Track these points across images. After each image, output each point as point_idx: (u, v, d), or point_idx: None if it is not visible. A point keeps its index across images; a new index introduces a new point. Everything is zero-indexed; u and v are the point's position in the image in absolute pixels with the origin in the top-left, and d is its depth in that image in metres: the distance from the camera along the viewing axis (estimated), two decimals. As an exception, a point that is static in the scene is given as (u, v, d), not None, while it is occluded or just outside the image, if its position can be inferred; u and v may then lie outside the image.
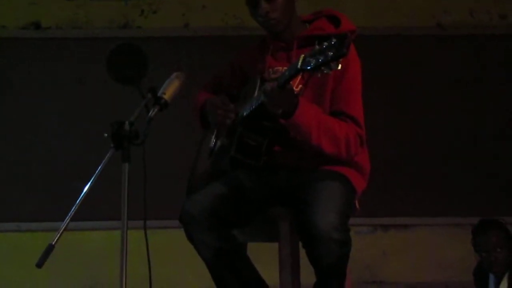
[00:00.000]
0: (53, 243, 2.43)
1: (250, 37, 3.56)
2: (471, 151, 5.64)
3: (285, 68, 2.78)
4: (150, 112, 2.66)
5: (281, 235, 2.98)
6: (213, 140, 3.25)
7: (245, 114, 2.97)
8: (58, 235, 2.45)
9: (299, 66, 2.58)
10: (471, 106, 5.68)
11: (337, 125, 2.91)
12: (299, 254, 2.99)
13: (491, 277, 4.55)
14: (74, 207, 2.51)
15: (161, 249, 4.92)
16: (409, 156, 5.60)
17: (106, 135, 2.56)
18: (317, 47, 2.53)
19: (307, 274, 2.91)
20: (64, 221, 2.48)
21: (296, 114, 2.79)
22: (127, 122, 2.55)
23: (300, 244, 2.87)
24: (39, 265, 2.41)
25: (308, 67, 2.53)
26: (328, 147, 2.88)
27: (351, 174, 2.98)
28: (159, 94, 2.71)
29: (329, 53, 2.47)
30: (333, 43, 2.47)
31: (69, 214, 2.50)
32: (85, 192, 2.54)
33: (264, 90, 2.75)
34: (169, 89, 2.75)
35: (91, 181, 2.55)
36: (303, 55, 2.58)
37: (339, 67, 2.50)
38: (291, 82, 2.73)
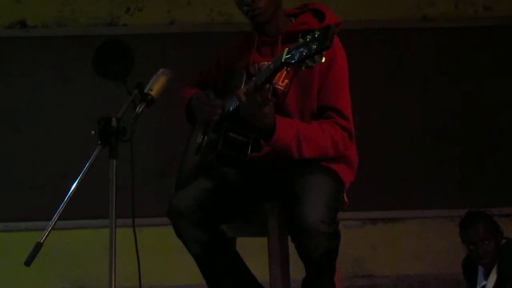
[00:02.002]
0: (41, 241, 2.43)
1: (237, 33, 3.55)
2: (458, 144, 5.66)
3: (270, 62, 2.78)
4: (137, 109, 2.66)
5: (270, 229, 2.97)
6: (200, 135, 3.25)
7: (231, 109, 2.97)
8: (46, 233, 2.45)
9: (283, 59, 2.57)
10: (457, 99, 5.69)
11: (321, 133, 2.89)
12: (288, 248, 2.98)
13: (480, 269, 4.56)
14: (62, 205, 2.50)
15: (150, 246, 4.92)
16: (397, 149, 5.61)
17: (93, 132, 2.55)
18: (300, 40, 2.53)
19: (297, 268, 2.92)
20: (52, 219, 2.48)
21: (274, 138, 2.80)
22: (114, 119, 2.55)
23: (290, 238, 2.87)
24: (28, 263, 2.41)
25: (292, 61, 2.53)
26: (314, 155, 2.89)
27: (339, 167, 2.98)
28: (145, 90, 2.71)
29: (313, 46, 2.46)
30: (316, 36, 2.47)
31: (57, 212, 2.49)
32: (72, 190, 2.54)
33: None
34: (156, 85, 2.75)
35: (78, 178, 2.54)
36: (287, 49, 2.58)
37: (323, 60, 2.49)
38: (275, 78, 2.74)
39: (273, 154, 2.96)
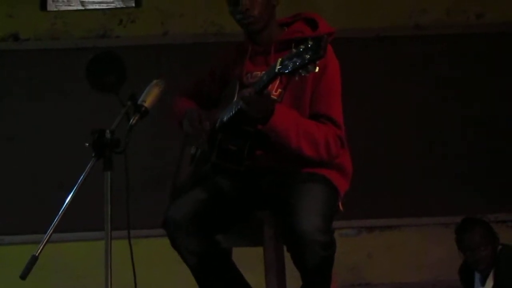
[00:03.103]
0: (37, 254, 2.42)
1: (229, 43, 3.55)
2: (452, 151, 5.67)
3: (263, 72, 2.78)
4: (131, 120, 2.66)
5: (266, 239, 2.97)
6: (194, 146, 3.25)
7: (225, 119, 2.96)
8: (42, 246, 2.44)
9: (276, 70, 2.58)
10: (450, 106, 5.70)
11: (316, 128, 2.91)
12: (284, 258, 2.98)
13: (477, 275, 4.56)
14: (57, 218, 2.50)
15: (146, 258, 4.90)
16: (391, 158, 5.61)
17: (87, 144, 2.55)
18: (294, 50, 2.53)
19: (293, 278, 2.91)
20: (47, 232, 2.47)
21: (274, 120, 2.80)
22: (108, 131, 2.54)
23: (285, 247, 2.87)
24: (23, 276, 2.40)
25: (286, 71, 2.53)
26: (308, 150, 2.89)
27: (333, 176, 2.99)
28: (139, 102, 2.71)
29: (306, 55, 2.47)
30: (309, 45, 2.47)
31: (52, 225, 2.48)
32: (67, 203, 2.53)
33: (242, 97, 2.76)
34: (149, 97, 2.75)
35: (73, 191, 2.54)
36: (280, 59, 2.59)
37: (317, 70, 2.50)
38: (270, 86, 2.74)
39: (268, 163, 2.96)
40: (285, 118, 2.84)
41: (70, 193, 2.53)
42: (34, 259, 2.41)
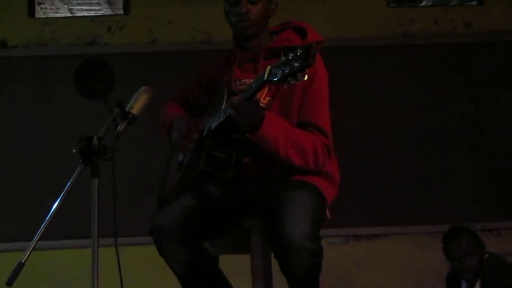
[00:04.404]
0: (23, 261, 2.41)
1: (218, 51, 3.56)
2: (440, 159, 5.68)
3: (252, 80, 2.78)
4: (119, 127, 2.65)
5: (253, 247, 2.97)
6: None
7: (213, 126, 2.96)
8: (28, 253, 2.43)
9: (265, 77, 2.58)
10: (438, 114, 5.72)
11: (304, 137, 2.91)
12: (271, 265, 2.98)
13: (463, 284, 4.58)
14: (43, 225, 2.49)
15: (133, 265, 4.88)
16: (379, 166, 5.62)
17: (74, 151, 2.55)
18: (283, 58, 2.53)
19: (281, 285, 2.91)
20: (34, 239, 2.46)
21: (262, 128, 2.80)
22: (95, 137, 2.54)
23: (273, 255, 2.87)
24: (9, 283, 2.39)
25: (275, 79, 2.53)
26: (296, 159, 2.89)
27: (321, 184, 2.98)
28: (127, 108, 2.71)
29: (295, 64, 2.47)
30: (298, 53, 2.47)
31: (39, 232, 2.48)
32: (54, 210, 2.52)
33: (231, 104, 2.76)
34: (137, 104, 2.75)
35: (60, 198, 2.53)
36: (269, 67, 2.58)
37: (306, 78, 2.50)
38: (258, 95, 2.74)
39: (256, 171, 2.96)
40: (274, 126, 2.84)
41: (57, 200, 2.53)
42: (20, 266, 2.40)
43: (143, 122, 2.83)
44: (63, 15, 7.40)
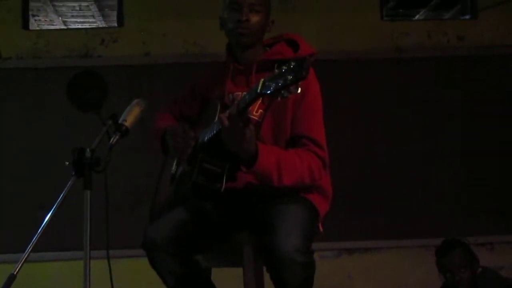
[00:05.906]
0: (15, 272, 2.41)
1: (211, 64, 3.56)
2: (433, 173, 5.69)
3: (245, 92, 2.78)
4: (111, 139, 2.66)
5: (245, 260, 2.96)
6: (174, 166, 3.24)
7: (206, 139, 2.96)
8: (20, 265, 2.43)
9: (258, 90, 2.57)
10: (431, 128, 5.73)
11: (298, 160, 2.90)
12: (263, 278, 2.98)
13: (456, 297, 4.57)
14: (36, 236, 2.49)
15: (125, 278, 4.87)
16: (372, 179, 5.63)
17: (67, 163, 2.55)
18: (276, 71, 2.52)
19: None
20: (26, 250, 2.46)
21: (257, 165, 2.79)
22: (88, 149, 2.54)
23: (265, 268, 2.86)
24: (1, 294, 2.39)
25: (268, 91, 2.53)
26: (292, 183, 2.88)
27: (313, 197, 2.99)
28: (120, 121, 2.71)
29: (289, 76, 2.46)
30: (292, 66, 2.47)
31: (31, 244, 2.47)
32: (46, 222, 2.52)
33: (223, 116, 2.75)
34: (130, 116, 2.75)
35: (52, 210, 2.53)
36: (262, 79, 2.57)
37: (299, 91, 2.50)
38: (250, 107, 2.73)
39: (248, 184, 2.96)
40: (267, 160, 2.82)
41: (49, 211, 2.52)
42: (12, 278, 2.40)
43: (136, 134, 2.83)
44: (57, 27, 7.43)
